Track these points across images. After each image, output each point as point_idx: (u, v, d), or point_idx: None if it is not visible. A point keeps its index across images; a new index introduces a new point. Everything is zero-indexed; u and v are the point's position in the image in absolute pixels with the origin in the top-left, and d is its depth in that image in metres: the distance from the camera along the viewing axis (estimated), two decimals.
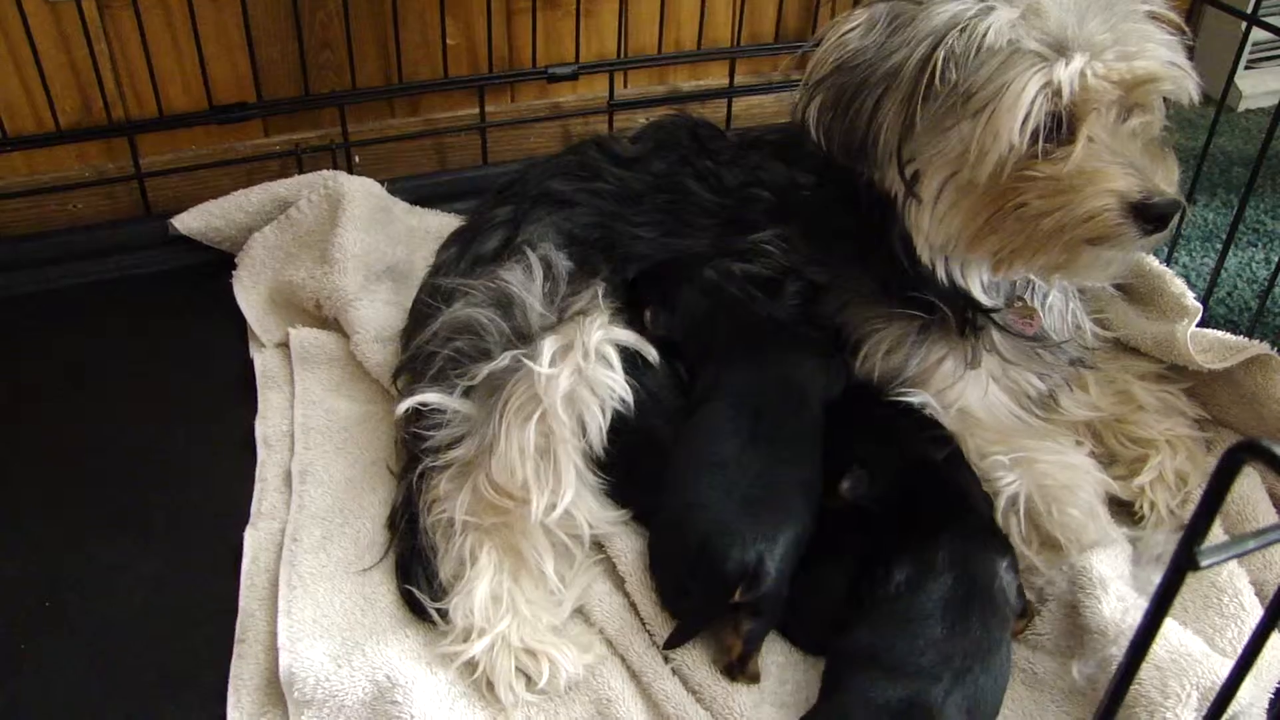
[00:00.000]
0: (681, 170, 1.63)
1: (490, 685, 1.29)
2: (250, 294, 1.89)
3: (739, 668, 1.26)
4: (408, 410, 1.44)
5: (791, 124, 1.59)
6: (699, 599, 1.29)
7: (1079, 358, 1.57)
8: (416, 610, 1.37)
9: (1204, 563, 0.64)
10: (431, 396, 1.42)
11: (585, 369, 1.37)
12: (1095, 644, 1.27)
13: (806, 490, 1.35)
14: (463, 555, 1.36)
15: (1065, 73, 1.26)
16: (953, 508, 1.33)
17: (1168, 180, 1.33)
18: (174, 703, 1.31)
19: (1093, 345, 1.59)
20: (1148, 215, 1.30)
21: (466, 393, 1.42)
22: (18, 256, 1.97)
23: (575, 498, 1.36)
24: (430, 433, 1.42)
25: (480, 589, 1.32)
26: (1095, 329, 1.61)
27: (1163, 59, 1.31)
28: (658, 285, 1.53)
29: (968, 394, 1.48)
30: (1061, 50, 1.27)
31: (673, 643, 1.30)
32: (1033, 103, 1.27)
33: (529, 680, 1.29)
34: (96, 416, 1.71)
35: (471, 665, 1.30)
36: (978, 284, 1.44)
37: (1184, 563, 0.65)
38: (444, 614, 1.34)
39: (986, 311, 1.46)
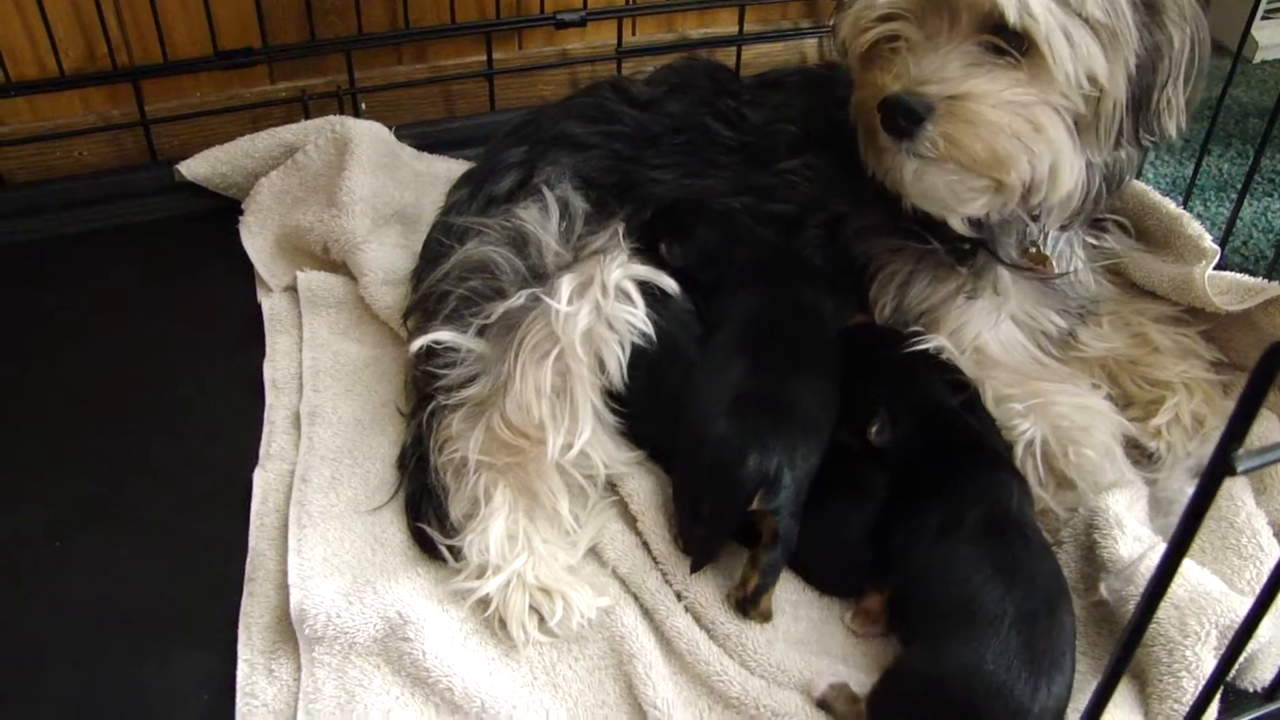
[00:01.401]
0: (700, 111, 1.60)
1: (502, 623, 1.28)
2: (257, 239, 1.87)
3: (752, 602, 1.25)
4: (420, 349, 1.42)
5: (807, 66, 1.58)
6: (716, 509, 1.27)
7: (1085, 308, 1.56)
8: (427, 549, 1.36)
9: (1240, 468, 0.63)
10: (445, 335, 1.40)
11: (604, 306, 1.35)
12: (1111, 584, 1.26)
13: (824, 409, 1.34)
14: (476, 494, 1.34)
15: None
16: (970, 449, 1.33)
17: (960, 89, 1.28)
18: (184, 640, 1.31)
19: (1097, 296, 1.58)
20: (885, 111, 1.30)
21: (481, 331, 1.39)
22: (22, 203, 1.95)
23: (592, 437, 1.34)
24: (443, 371, 1.40)
25: (496, 526, 1.31)
26: (1102, 279, 1.59)
27: None
28: (673, 220, 1.51)
29: (983, 331, 1.47)
30: None
31: (696, 565, 1.29)
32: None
33: (541, 619, 1.28)
34: (103, 362, 1.70)
35: (484, 603, 1.29)
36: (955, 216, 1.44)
37: (1221, 468, 0.64)
38: (456, 552, 1.33)
39: (982, 244, 1.45)
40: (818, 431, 1.32)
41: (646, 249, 1.48)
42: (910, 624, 1.23)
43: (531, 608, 1.28)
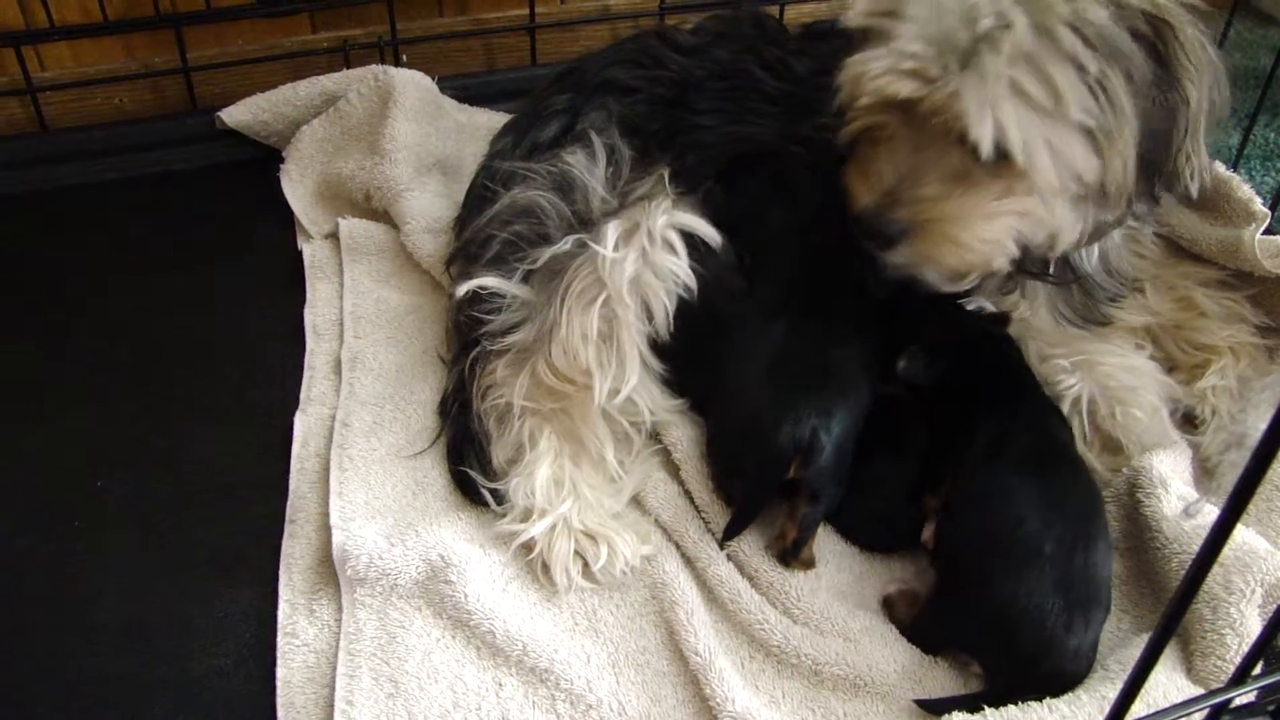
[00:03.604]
0: (747, 58, 1.57)
1: (546, 567, 1.28)
2: (298, 187, 1.88)
3: (793, 554, 1.25)
4: (465, 294, 1.42)
5: None
6: (752, 478, 1.27)
7: (1120, 292, 1.52)
8: (469, 493, 1.37)
9: None
10: (490, 280, 1.40)
11: (650, 253, 1.34)
12: (1156, 543, 1.25)
13: (864, 369, 1.32)
14: (520, 440, 1.35)
15: None
16: (1018, 382, 1.32)
17: (932, 213, 1.25)
18: (226, 580, 1.32)
19: (1134, 275, 1.54)
20: (859, 226, 1.28)
21: (526, 277, 1.40)
22: (64, 148, 1.96)
23: (638, 384, 1.35)
24: (488, 317, 1.40)
25: (541, 471, 1.31)
26: (1146, 246, 1.56)
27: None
28: (730, 172, 1.50)
29: (1019, 305, 1.46)
30: None
31: (730, 532, 1.28)
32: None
33: (585, 565, 1.28)
34: (145, 307, 1.71)
35: (528, 547, 1.30)
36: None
37: None
38: (499, 496, 1.34)
39: None
40: (857, 392, 1.31)
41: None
42: (950, 552, 1.22)
43: (575, 553, 1.28)
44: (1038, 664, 1.12)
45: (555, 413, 1.36)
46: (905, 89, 1.19)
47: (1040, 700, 1.10)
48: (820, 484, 1.24)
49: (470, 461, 1.38)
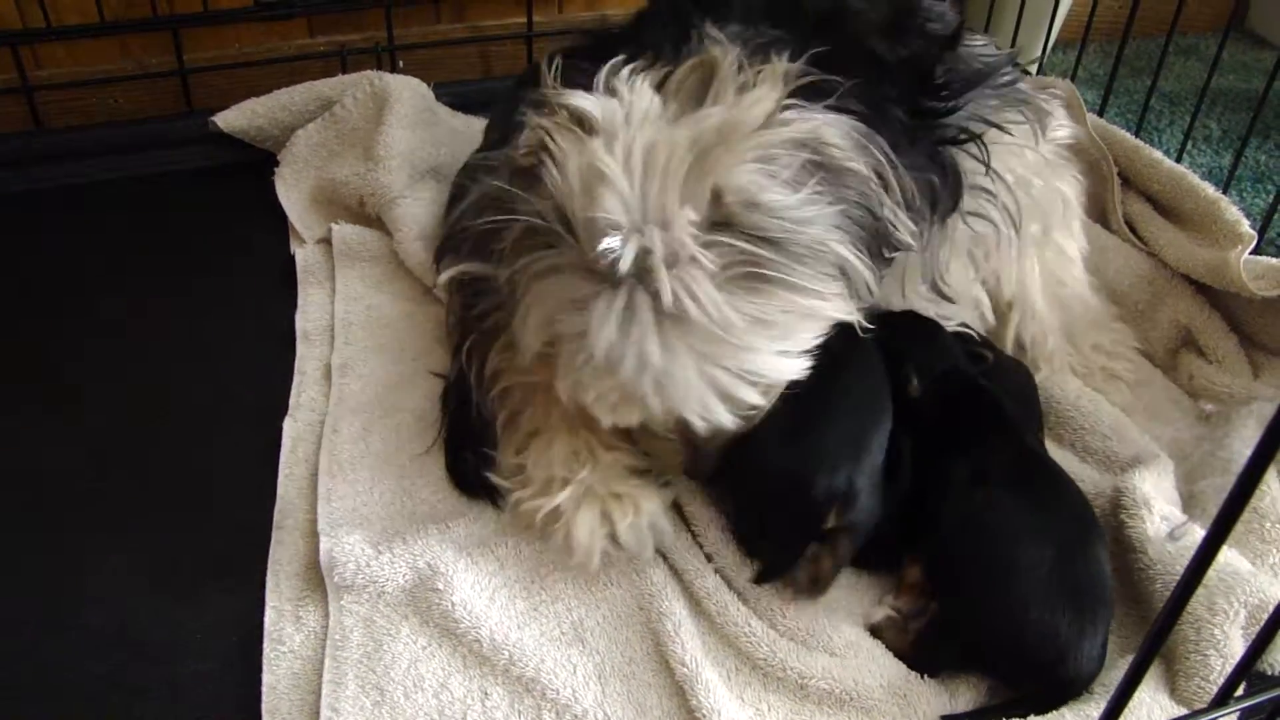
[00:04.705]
0: None
1: (569, 536, 1.27)
2: (292, 191, 1.88)
3: (817, 587, 1.24)
4: (450, 283, 1.42)
5: None
6: (789, 534, 1.25)
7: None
8: (465, 487, 1.38)
9: None
10: (468, 266, 1.40)
11: None
12: (1140, 564, 1.26)
13: (878, 392, 1.30)
14: (533, 421, 1.35)
15: None
16: (985, 408, 1.32)
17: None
18: (213, 585, 1.31)
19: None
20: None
21: (501, 259, 1.39)
22: (58, 148, 1.97)
23: None
24: (474, 300, 1.40)
25: (559, 443, 1.32)
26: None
27: None
28: None
29: None
30: None
31: (762, 579, 1.27)
32: None
33: (612, 529, 1.27)
34: (135, 308, 1.71)
35: (553, 517, 1.29)
36: None
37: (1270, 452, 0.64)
38: (500, 483, 1.34)
39: None
40: (877, 417, 1.27)
41: None
42: (950, 577, 1.21)
43: (603, 513, 1.28)
44: (1054, 671, 1.12)
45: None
46: (632, 418, 1.18)
47: (1025, 718, 1.11)
48: (859, 524, 1.22)
49: (465, 459, 1.38)
